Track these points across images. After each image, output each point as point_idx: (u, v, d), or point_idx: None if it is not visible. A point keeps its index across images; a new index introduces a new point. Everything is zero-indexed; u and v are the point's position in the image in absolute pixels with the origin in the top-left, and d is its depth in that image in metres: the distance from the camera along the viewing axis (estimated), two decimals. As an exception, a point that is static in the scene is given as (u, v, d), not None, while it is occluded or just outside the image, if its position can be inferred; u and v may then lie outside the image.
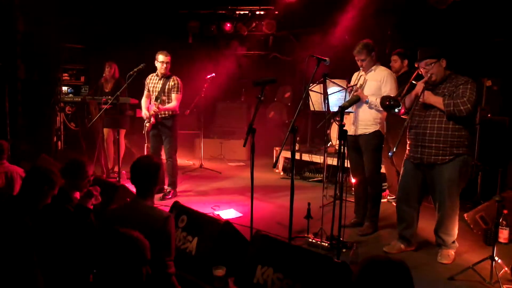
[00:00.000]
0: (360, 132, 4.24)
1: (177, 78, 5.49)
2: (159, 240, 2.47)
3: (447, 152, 3.48)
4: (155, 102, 5.36)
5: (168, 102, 5.44)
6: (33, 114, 7.01)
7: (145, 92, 5.64)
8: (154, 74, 5.56)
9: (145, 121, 5.53)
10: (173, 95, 5.43)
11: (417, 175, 3.71)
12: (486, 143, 5.36)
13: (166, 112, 5.44)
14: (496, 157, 5.20)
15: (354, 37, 7.38)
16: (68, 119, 7.58)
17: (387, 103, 3.61)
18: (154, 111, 5.32)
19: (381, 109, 3.90)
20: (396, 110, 3.61)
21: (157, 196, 5.24)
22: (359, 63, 4.23)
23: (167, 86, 5.42)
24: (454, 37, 6.31)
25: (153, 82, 5.53)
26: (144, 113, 5.53)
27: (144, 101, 5.63)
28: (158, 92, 5.43)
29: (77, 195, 3.19)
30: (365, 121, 4.22)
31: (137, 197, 2.74)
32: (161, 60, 5.37)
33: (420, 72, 3.64)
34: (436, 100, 3.44)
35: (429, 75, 3.51)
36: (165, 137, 5.51)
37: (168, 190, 5.54)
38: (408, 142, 3.77)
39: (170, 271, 2.57)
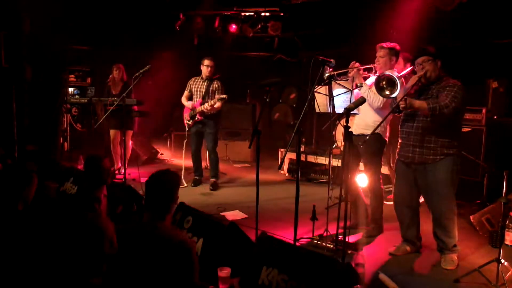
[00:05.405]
0: (358, 132, 4.15)
1: (219, 81, 6.01)
2: (182, 269, 2.31)
3: (438, 152, 3.49)
4: (201, 101, 5.89)
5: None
6: (40, 115, 7.05)
7: (186, 93, 6.12)
8: (199, 77, 6.06)
9: (187, 119, 6.03)
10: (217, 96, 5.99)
11: (408, 175, 3.71)
12: (492, 145, 5.34)
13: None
14: (502, 159, 5.18)
15: (359, 38, 7.40)
16: (74, 120, 7.62)
17: (381, 84, 3.55)
18: (205, 109, 5.78)
19: (374, 97, 3.92)
20: (387, 93, 3.54)
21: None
22: (376, 59, 4.14)
23: (211, 88, 5.94)
24: (460, 38, 6.29)
25: (197, 84, 6.03)
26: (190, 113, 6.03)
27: (185, 101, 6.09)
28: (204, 93, 5.94)
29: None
30: (366, 122, 4.17)
31: (154, 217, 2.45)
32: (206, 64, 5.92)
33: (415, 69, 3.65)
34: (420, 105, 3.39)
35: (424, 71, 3.52)
36: (208, 134, 6.03)
37: (214, 182, 6.14)
38: (399, 141, 3.77)
39: None
